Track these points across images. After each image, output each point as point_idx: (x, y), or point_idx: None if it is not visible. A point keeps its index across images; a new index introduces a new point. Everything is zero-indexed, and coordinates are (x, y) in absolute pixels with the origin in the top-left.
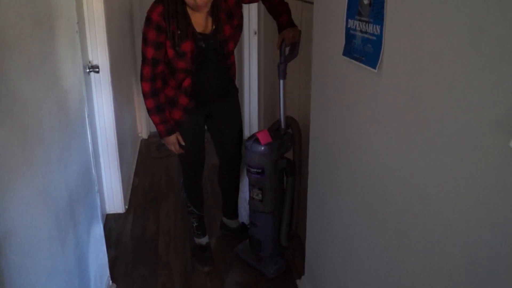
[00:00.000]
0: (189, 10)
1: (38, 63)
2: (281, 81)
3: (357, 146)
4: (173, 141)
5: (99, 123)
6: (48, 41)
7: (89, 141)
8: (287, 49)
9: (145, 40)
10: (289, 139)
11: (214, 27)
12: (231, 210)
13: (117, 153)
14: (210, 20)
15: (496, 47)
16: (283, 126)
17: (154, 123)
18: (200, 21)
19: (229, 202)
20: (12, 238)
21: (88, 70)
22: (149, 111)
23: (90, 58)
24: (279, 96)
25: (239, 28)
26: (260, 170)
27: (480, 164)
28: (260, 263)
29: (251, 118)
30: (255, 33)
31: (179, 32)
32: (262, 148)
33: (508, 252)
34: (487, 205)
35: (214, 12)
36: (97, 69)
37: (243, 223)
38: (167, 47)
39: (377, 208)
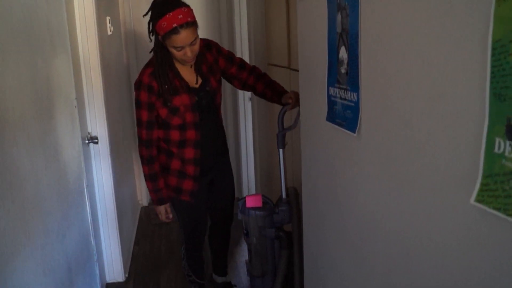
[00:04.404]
0: (177, 65)
1: (38, 139)
2: (281, 151)
3: (343, 205)
4: (162, 211)
5: (98, 193)
6: (48, 118)
7: (88, 211)
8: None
9: (138, 104)
10: (289, 211)
11: (201, 80)
12: (220, 267)
13: (117, 222)
14: (194, 74)
15: (454, 115)
16: (284, 196)
17: (148, 188)
18: (188, 75)
19: (219, 260)
20: None
21: (87, 142)
22: (145, 176)
23: (89, 130)
24: (279, 166)
25: (220, 83)
26: (245, 231)
27: (448, 221)
28: None
29: (249, 181)
30: (250, 99)
31: (166, 87)
32: (246, 210)
33: None
34: (461, 260)
35: (197, 65)
36: (96, 140)
37: (229, 282)
38: (158, 108)
39: (365, 263)
